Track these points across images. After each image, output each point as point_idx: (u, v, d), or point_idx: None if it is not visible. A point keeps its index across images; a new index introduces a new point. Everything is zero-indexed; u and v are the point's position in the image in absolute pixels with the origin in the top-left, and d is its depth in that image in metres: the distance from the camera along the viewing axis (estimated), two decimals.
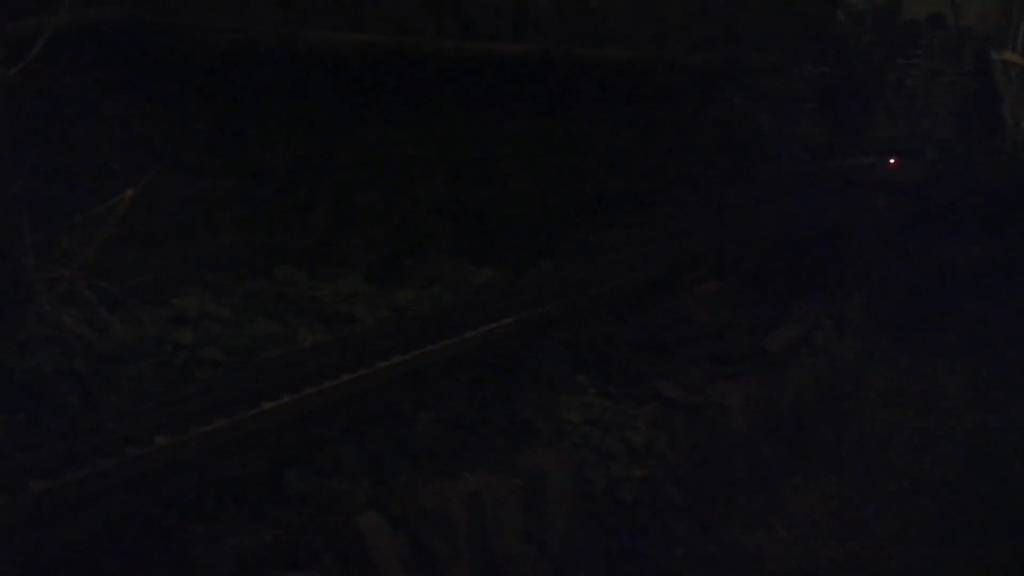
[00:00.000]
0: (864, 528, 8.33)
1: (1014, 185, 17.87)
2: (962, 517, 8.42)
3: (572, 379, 7.66)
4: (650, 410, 7.74)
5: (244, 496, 5.43)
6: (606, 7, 12.60)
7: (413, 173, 10.05)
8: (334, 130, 9.26)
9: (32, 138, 6.71)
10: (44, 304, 6.33)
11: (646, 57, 12.79)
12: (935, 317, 14.09)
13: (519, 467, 6.45)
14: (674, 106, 14.06)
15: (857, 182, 15.14)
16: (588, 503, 6.83)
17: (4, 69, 6.29)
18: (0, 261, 6.28)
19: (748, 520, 8.21)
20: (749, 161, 15.59)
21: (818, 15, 18.81)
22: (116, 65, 7.28)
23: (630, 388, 7.93)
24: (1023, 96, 25.24)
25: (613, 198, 12.25)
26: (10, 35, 6.37)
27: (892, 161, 16.39)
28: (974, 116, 22.82)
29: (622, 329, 8.58)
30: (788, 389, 9.72)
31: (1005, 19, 25.85)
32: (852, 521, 8.45)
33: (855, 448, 9.90)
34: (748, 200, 13.04)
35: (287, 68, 8.62)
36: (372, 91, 9.52)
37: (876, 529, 8.28)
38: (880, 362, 12.30)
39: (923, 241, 14.74)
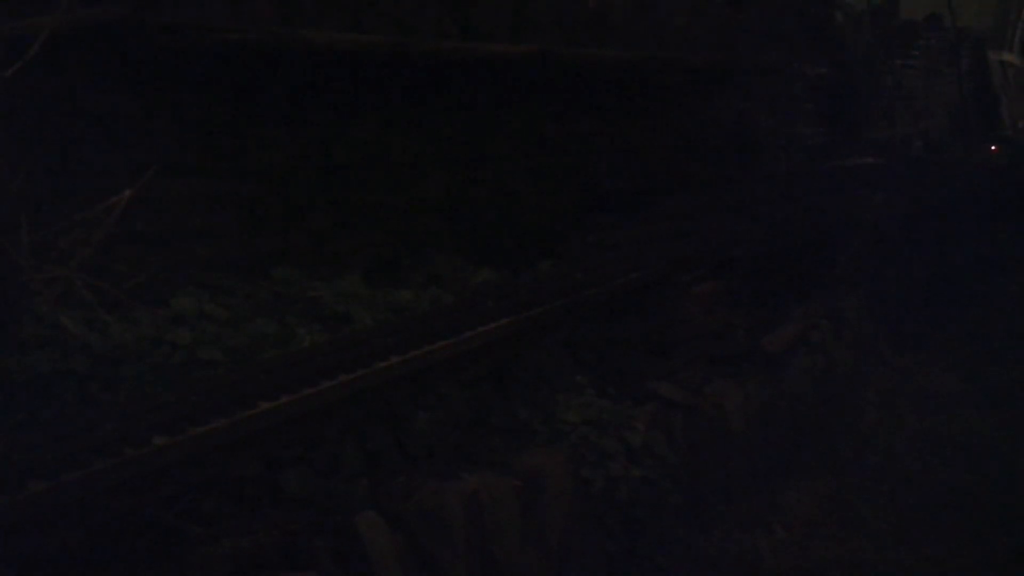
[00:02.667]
0: (862, 528, 8.33)
1: (1013, 184, 17.89)
2: (961, 517, 8.42)
3: (570, 379, 7.66)
4: (648, 410, 7.74)
5: (242, 496, 5.43)
6: (605, 7, 12.61)
7: (412, 173, 10.06)
8: (333, 130, 9.27)
9: (30, 138, 6.72)
10: (42, 304, 6.34)
11: (645, 57, 12.80)
12: (934, 317, 14.10)
13: (517, 467, 6.45)
14: (672, 106, 14.07)
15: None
16: (586, 503, 6.83)
17: (2, 69, 6.29)
18: None
19: (746, 520, 8.21)
20: (747, 161, 15.60)
21: (816, 16, 18.83)
22: (115, 65, 7.29)
23: (628, 388, 7.94)
24: (1020, 96, 25.26)
25: (612, 198, 12.25)
26: (8, 34, 6.37)
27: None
28: (972, 116, 22.85)
29: (620, 329, 8.58)
30: (786, 389, 9.72)
31: (1002, 20, 25.88)
32: (850, 521, 8.45)
33: (853, 448, 9.90)
34: (746, 200, 13.04)
35: (286, 68, 8.62)
36: (371, 91, 9.53)
37: (874, 529, 8.28)
38: (878, 362, 12.30)
39: (922, 241, 14.76)
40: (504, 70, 10.69)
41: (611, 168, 12.76)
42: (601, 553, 6.89)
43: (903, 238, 14.31)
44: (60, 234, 6.82)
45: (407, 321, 7.01)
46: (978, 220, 16.27)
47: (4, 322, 6.08)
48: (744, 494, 8.51)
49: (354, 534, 5.36)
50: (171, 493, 5.00)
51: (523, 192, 11.35)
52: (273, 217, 8.69)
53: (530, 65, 10.80)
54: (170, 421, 4.96)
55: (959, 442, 10.10)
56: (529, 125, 11.49)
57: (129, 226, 7.21)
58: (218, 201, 8.28)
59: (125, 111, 7.50)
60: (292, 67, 8.65)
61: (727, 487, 8.37)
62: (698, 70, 14.03)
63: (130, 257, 7.28)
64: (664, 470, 7.36)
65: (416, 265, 9.32)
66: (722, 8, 15.42)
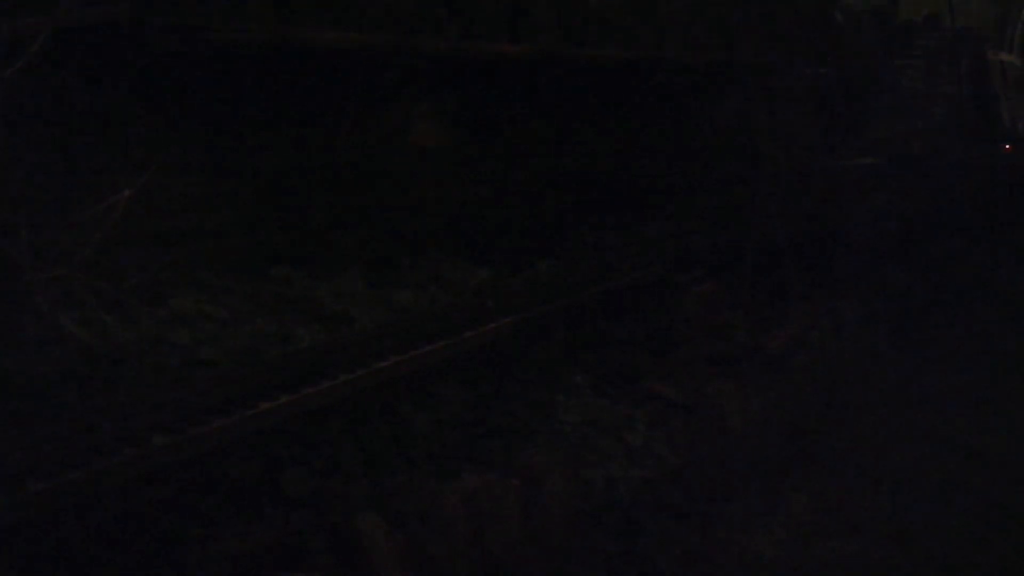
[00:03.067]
0: (861, 529, 8.33)
1: (1012, 185, 17.89)
2: (960, 518, 8.43)
3: (570, 379, 7.66)
4: (648, 410, 7.75)
5: (243, 496, 5.43)
6: (606, 7, 12.61)
7: (412, 173, 10.06)
8: (332, 130, 9.27)
9: (30, 138, 6.72)
10: (42, 304, 6.33)
11: (645, 57, 12.80)
12: (933, 318, 14.10)
13: (517, 467, 6.46)
14: (672, 107, 14.07)
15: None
16: (586, 503, 6.84)
17: (2, 69, 6.29)
18: None
19: (746, 520, 8.22)
20: (747, 161, 15.59)
21: (816, 16, 18.83)
22: (115, 65, 7.29)
23: (628, 388, 7.94)
24: (1020, 96, 25.25)
25: (612, 198, 12.25)
26: (8, 34, 6.37)
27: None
28: (972, 116, 22.83)
29: (620, 329, 8.58)
30: (785, 389, 9.73)
31: (1002, 20, 25.86)
32: (849, 521, 8.45)
33: (852, 448, 9.90)
34: (746, 200, 13.04)
35: (286, 68, 8.62)
36: (371, 91, 9.53)
37: (873, 530, 8.29)
38: (878, 362, 12.31)
39: (922, 241, 14.76)
40: (504, 70, 10.69)
41: (610, 168, 12.76)
42: (601, 553, 6.89)
43: (904, 238, 14.31)
44: (60, 234, 6.82)
45: (407, 321, 7.02)
46: (979, 220, 16.27)
47: (4, 322, 6.08)
48: (744, 494, 8.52)
49: (354, 534, 5.36)
50: (171, 493, 5.00)
51: (522, 192, 11.35)
52: (273, 217, 8.69)
53: (530, 65, 10.80)
54: (170, 421, 4.96)
55: (958, 442, 10.11)
56: (529, 125, 11.49)
57: (129, 226, 7.21)
58: (218, 201, 8.28)
59: (125, 111, 7.50)
60: (292, 67, 8.65)
61: (726, 486, 8.38)
62: (698, 70, 14.04)
63: (130, 257, 7.27)
64: (663, 470, 7.37)
65: (416, 265, 9.32)
66: (722, 9, 15.42)
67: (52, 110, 7.06)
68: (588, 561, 6.76)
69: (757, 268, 10.66)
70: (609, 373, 8.08)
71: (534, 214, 11.37)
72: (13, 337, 5.99)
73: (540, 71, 11.07)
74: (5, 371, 5.69)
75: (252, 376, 5.65)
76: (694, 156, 14.32)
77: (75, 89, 7.16)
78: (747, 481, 8.66)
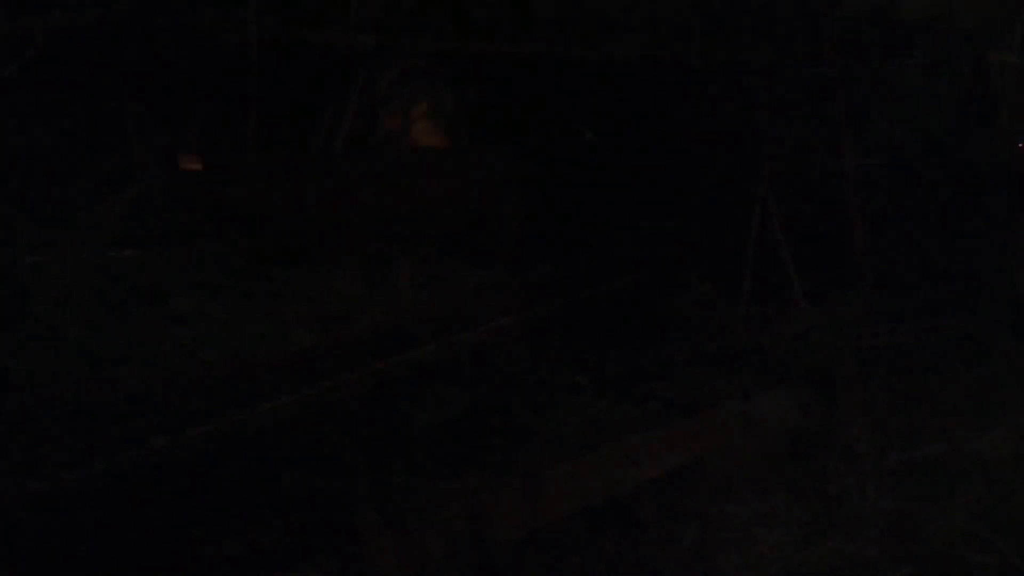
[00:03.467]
0: (862, 528, 8.32)
1: (1012, 185, 17.87)
2: (960, 518, 8.41)
3: (570, 379, 7.66)
4: (648, 410, 7.74)
5: (242, 496, 5.42)
6: (606, 7, 12.61)
7: (411, 173, 10.06)
8: (332, 130, 9.27)
9: (30, 138, 6.72)
10: (41, 304, 6.34)
11: (645, 57, 12.80)
12: (934, 318, 14.07)
13: (517, 467, 6.45)
14: (672, 106, 14.07)
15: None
16: (586, 503, 6.83)
17: (2, 68, 6.30)
18: None
19: (747, 520, 8.21)
20: (747, 161, 15.59)
21: (816, 16, 18.83)
22: (115, 65, 7.30)
23: (628, 388, 7.93)
24: (1020, 98, 25.24)
25: (613, 197, 12.25)
26: (8, 35, 6.38)
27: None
28: (971, 117, 22.82)
29: (620, 329, 8.57)
30: (786, 388, 9.71)
31: (1002, 21, 25.86)
32: (850, 521, 8.44)
33: (853, 448, 9.89)
34: (746, 200, 13.03)
35: (286, 68, 8.63)
36: (371, 91, 9.54)
37: (875, 530, 8.28)
38: (878, 361, 12.29)
39: (923, 242, 14.73)
40: (504, 70, 10.70)
41: (611, 167, 12.76)
42: (601, 553, 6.89)
43: (904, 240, 14.29)
44: (60, 234, 6.83)
45: (406, 321, 7.02)
46: (981, 220, 16.24)
47: (4, 322, 6.09)
48: (745, 493, 8.51)
49: (354, 534, 5.35)
50: (171, 493, 5.00)
51: (522, 191, 11.35)
52: (273, 218, 8.70)
53: (530, 65, 10.81)
54: (169, 421, 4.96)
55: (958, 441, 10.09)
56: (529, 125, 11.49)
57: (129, 226, 7.22)
58: (218, 201, 8.29)
59: (125, 111, 7.51)
60: (292, 67, 8.66)
61: (727, 486, 8.37)
62: (697, 70, 14.04)
63: (130, 257, 7.29)
64: (664, 469, 7.35)
65: (415, 265, 9.32)
66: (721, 9, 15.42)
67: (52, 110, 7.07)
68: (588, 561, 6.75)
69: (756, 267, 10.66)
70: (610, 373, 8.07)
71: (534, 214, 11.37)
72: (13, 337, 5.99)
73: (540, 71, 11.07)
74: (5, 371, 5.69)
75: (252, 375, 5.65)
76: (695, 155, 14.31)
77: (75, 89, 7.17)
78: (748, 480, 8.64)
